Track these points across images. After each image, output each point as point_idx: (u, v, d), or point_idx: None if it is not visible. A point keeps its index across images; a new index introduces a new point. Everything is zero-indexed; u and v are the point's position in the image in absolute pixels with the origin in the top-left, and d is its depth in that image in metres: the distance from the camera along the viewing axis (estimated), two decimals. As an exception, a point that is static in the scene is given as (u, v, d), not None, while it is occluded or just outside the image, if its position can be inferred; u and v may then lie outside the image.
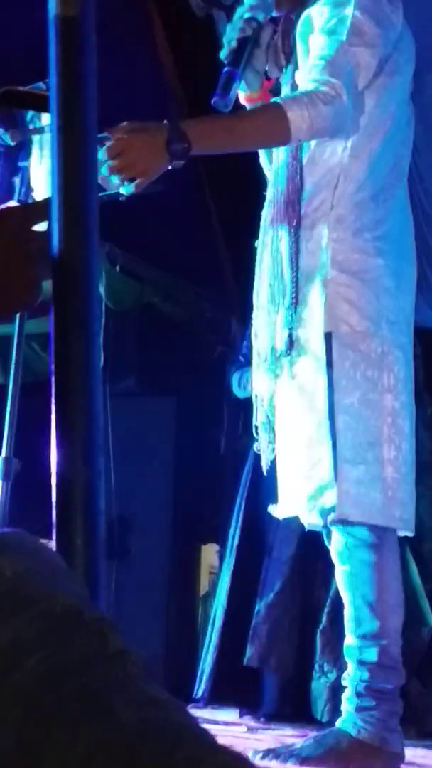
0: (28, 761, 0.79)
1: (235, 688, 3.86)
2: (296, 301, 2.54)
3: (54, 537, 1.08)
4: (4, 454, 3.20)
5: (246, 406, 2.95)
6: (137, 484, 4.67)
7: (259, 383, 2.67)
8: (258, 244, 2.72)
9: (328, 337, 2.52)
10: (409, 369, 2.60)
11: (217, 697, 3.97)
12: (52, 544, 1.07)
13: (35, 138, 3.56)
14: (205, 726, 0.84)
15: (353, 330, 2.52)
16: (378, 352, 2.52)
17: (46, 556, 0.95)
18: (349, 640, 2.50)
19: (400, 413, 2.53)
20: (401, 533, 2.56)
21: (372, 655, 2.45)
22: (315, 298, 2.54)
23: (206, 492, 5.11)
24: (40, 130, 3.40)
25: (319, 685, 3.55)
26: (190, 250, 5.25)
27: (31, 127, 3.39)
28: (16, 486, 3.20)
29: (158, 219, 4.63)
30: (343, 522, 2.48)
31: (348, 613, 2.51)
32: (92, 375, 1.10)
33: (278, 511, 2.69)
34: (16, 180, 3.49)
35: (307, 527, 2.84)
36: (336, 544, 2.53)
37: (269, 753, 2.41)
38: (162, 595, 4.93)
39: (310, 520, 2.69)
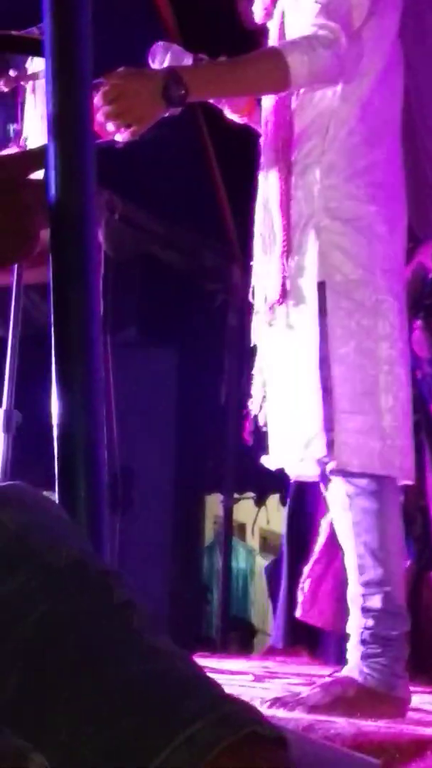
0: (32, 714, 0.79)
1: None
2: (288, 250, 2.51)
3: (56, 489, 1.07)
4: (5, 406, 3.19)
5: (248, 354, 2.93)
6: (140, 434, 4.66)
7: (255, 333, 2.65)
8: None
9: (321, 286, 2.49)
10: (404, 317, 2.58)
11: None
12: (55, 497, 1.06)
13: (29, 84, 3.51)
14: (212, 675, 0.84)
15: (347, 278, 2.49)
16: (372, 300, 2.50)
17: (48, 508, 0.94)
18: (353, 588, 2.50)
19: (397, 361, 2.51)
20: (401, 482, 2.55)
21: (377, 602, 2.46)
22: (308, 246, 2.51)
23: (209, 442, 5.11)
24: (34, 76, 3.36)
25: None
26: (190, 198, 5.21)
27: (24, 72, 3.34)
28: (18, 438, 3.20)
29: (157, 166, 4.59)
30: (343, 472, 2.47)
31: (350, 561, 2.50)
32: (92, 325, 1.09)
33: (270, 461, 2.67)
34: (11, 127, 3.45)
35: (293, 478, 2.83)
36: (336, 493, 2.52)
37: (276, 701, 2.41)
38: (166, 546, 4.95)
39: (300, 471, 2.68)
